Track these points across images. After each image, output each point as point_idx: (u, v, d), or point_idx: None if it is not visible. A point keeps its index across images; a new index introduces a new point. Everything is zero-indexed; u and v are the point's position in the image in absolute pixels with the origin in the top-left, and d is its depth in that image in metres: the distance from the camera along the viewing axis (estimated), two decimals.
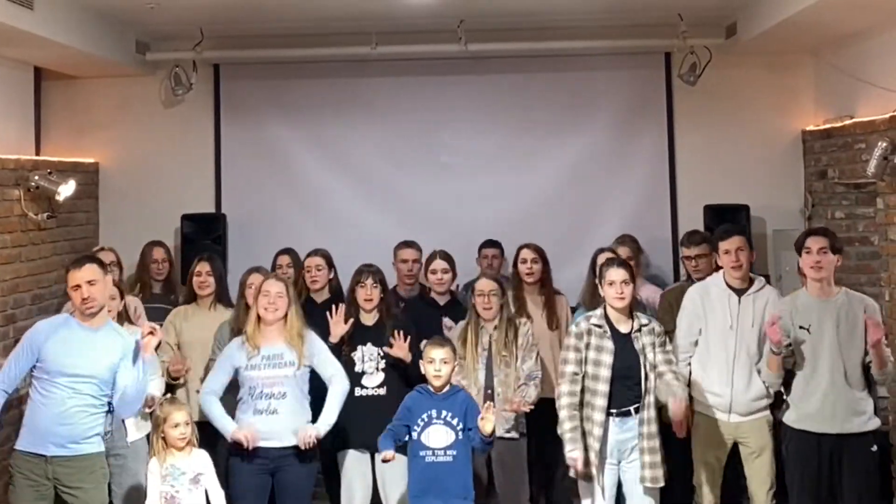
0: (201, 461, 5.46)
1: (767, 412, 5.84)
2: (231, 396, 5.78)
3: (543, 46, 8.36)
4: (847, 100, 7.66)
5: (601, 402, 5.45)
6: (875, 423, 5.48)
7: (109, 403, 5.24)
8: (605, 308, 5.60)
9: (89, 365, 5.10)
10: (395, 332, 5.98)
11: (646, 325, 5.55)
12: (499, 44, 8.29)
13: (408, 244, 7.30)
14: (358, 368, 5.95)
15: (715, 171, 8.49)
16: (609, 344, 5.49)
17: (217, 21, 7.89)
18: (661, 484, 5.49)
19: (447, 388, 5.48)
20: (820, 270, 5.49)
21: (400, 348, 5.92)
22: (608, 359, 5.47)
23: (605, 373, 5.46)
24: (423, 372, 5.52)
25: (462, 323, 6.28)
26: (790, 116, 8.53)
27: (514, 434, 6.05)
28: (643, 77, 8.72)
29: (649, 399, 5.48)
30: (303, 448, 5.57)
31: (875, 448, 5.49)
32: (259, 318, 5.69)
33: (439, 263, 6.76)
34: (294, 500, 5.65)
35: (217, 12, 7.57)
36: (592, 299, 6.25)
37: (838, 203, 7.92)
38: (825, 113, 8.16)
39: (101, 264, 5.33)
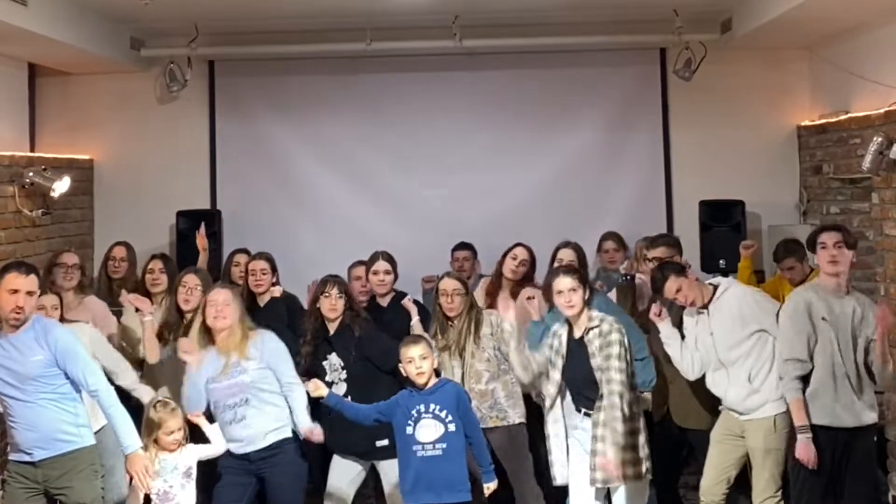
0: (192, 453, 5.44)
1: (772, 409, 5.70)
2: None
3: (538, 42, 8.37)
4: (842, 95, 7.67)
5: (549, 402, 5.59)
6: (876, 415, 5.49)
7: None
8: None
9: (21, 369, 5.03)
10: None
11: (595, 328, 5.47)
12: (493, 40, 8.29)
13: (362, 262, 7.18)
14: (328, 378, 5.88)
15: (710, 167, 8.50)
16: (563, 349, 5.55)
17: (212, 17, 7.89)
18: (614, 484, 5.40)
19: (433, 382, 5.48)
20: (836, 265, 5.43)
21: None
22: (559, 362, 5.55)
23: (556, 376, 5.55)
24: (404, 375, 5.50)
25: (432, 325, 6.22)
26: (785, 112, 8.55)
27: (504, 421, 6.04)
28: (638, 73, 8.73)
29: (603, 403, 5.37)
30: (314, 441, 5.56)
31: (875, 438, 5.53)
32: (207, 327, 5.61)
33: (381, 265, 6.60)
34: (285, 497, 5.62)
35: (212, 8, 7.56)
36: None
37: (833, 198, 7.93)
38: (820, 108, 8.16)
39: (38, 275, 5.25)
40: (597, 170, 8.66)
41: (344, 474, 5.99)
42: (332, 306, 5.97)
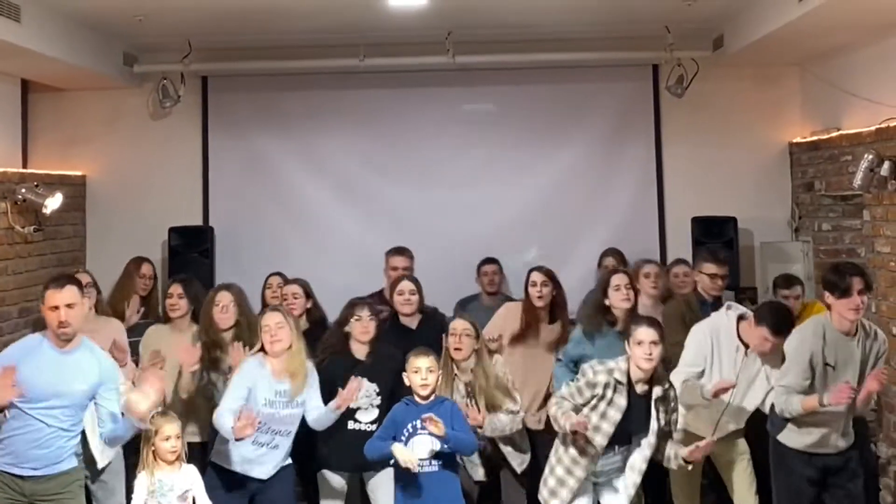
0: (190, 477, 5.40)
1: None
2: None
3: (531, 59, 8.38)
4: (833, 112, 7.70)
5: (593, 451, 5.29)
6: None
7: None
8: (627, 362, 5.27)
9: (63, 390, 4.95)
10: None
11: (667, 389, 5.30)
12: (486, 56, 8.31)
13: (399, 251, 7.29)
14: (355, 405, 5.76)
15: (702, 183, 8.51)
16: (622, 402, 5.22)
17: (205, 33, 7.90)
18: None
19: (433, 397, 5.47)
20: (859, 312, 5.30)
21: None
22: (616, 416, 5.22)
23: (608, 428, 5.22)
24: (407, 384, 5.49)
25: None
26: (777, 128, 8.57)
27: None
28: (631, 89, 8.74)
29: (643, 444, 5.30)
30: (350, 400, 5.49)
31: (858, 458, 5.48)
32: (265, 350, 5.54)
33: (406, 284, 6.56)
34: None
35: (205, 24, 7.57)
36: (594, 319, 6.13)
37: (825, 215, 7.96)
38: (812, 125, 8.19)
39: (80, 286, 5.16)
40: (589, 185, 8.66)
41: (337, 492, 5.94)
42: (365, 329, 5.87)
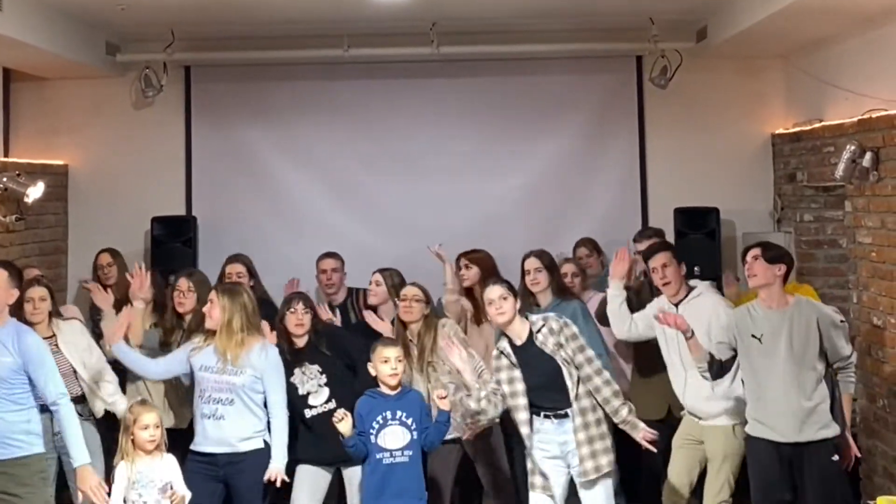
0: (170, 468, 5.36)
1: (729, 419, 5.87)
2: None
3: (515, 50, 8.39)
4: (816, 103, 7.72)
5: (524, 414, 5.42)
6: (833, 431, 5.43)
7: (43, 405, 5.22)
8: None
9: None
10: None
11: (542, 328, 5.45)
12: (471, 47, 8.30)
13: (328, 255, 7.47)
14: (301, 391, 5.87)
15: (685, 174, 8.54)
16: (513, 359, 5.44)
17: (188, 23, 7.86)
18: (605, 470, 5.37)
19: (399, 388, 5.49)
20: (753, 278, 5.53)
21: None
22: (516, 372, 5.43)
23: (520, 387, 5.42)
24: (373, 375, 5.50)
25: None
26: (760, 120, 8.60)
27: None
28: (614, 80, 8.76)
29: (580, 397, 5.37)
30: (276, 484, 5.56)
31: (836, 457, 5.45)
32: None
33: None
34: None
35: (188, 14, 7.54)
36: (522, 304, 6.13)
37: (807, 206, 7.99)
38: (795, 116, 8.22)
39: (15, 273, 5.29)
40: (573, 176, 8.67)
41: (311, 486, 5.94)
42: (300, 321, 5.95)
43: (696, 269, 7.77)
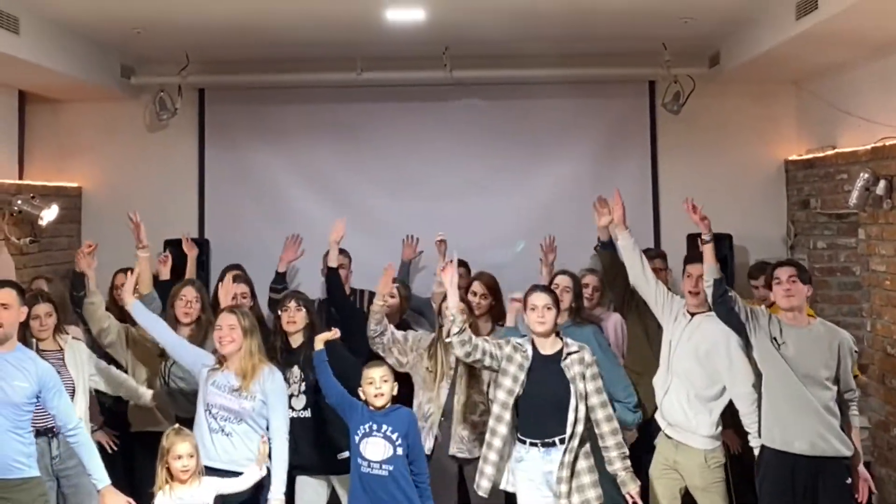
0: (208, 491, 5.35)
1: (700, 446, 5.79)
2: None
3: (528, 74, 8.41)
4: (829, 130, 7.72)
5: (502, 429, 5.41)
6: (848, 449, 5.42)
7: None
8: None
9: (1, 392, 5.02)
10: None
11: (574, 353, 5.45)
12: (483, 71, 8.33)
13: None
14: (288, 391, 5.88)
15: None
16: (524, 361, 5.44)
17: (203, 46, 7.91)
18: None
19: (387, 406, 5.50)
20: (791, 299, 5.52)
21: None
22: (517, 372, 5.42)
23: (512, 386, 5.41)
24: (361, 396, 5.50)
25: (430, 335, 6.27)
26: (773, 146, 8.59)
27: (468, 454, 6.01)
28: (627, 105, 8.76)
29: (577, 430, 5.33)
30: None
31: (849, 480, 5.44)
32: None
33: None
34: None
35: (203, 37, 7.58)
36: None
37: (820, 233, 7.98)
38: (808, 143, 8.21)
39: (21, 292, 5.29)
40: (585, 201, 8.50)
41: (311, 498, 5.97)
42: (291, 318, 6.02)
43: None
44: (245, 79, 8.55)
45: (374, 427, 5.41)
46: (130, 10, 6.76)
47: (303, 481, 5.99)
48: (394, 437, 5.40)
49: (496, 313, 6.66)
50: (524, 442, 5.42)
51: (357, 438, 5.43)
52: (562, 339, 5.53)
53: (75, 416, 5.19)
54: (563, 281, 6.52)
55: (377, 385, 5.44)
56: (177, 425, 5.55)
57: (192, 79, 8.37)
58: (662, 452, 5.93)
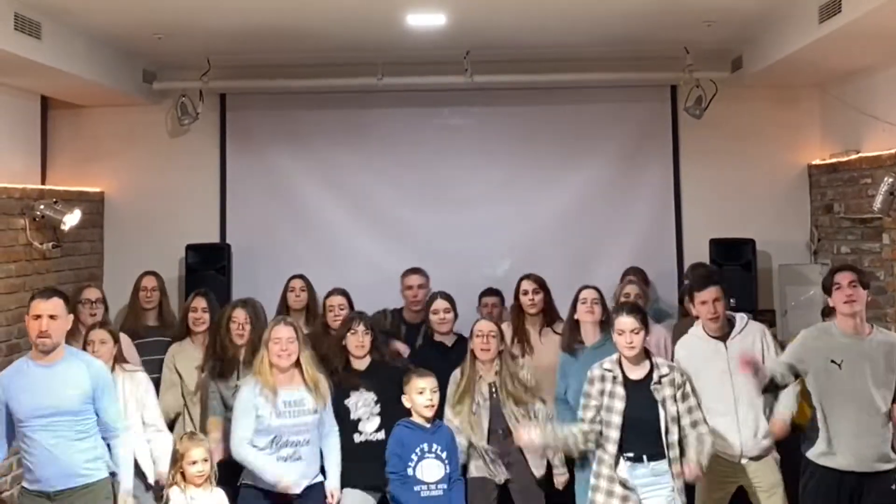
0: (221, 500, 5.38)
1: (774, 451, 5.77)
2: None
3: (549, 78, 8.38)
4: (853, 134, 7.66)
5: (612, 448, 5.26)
6: (894, 464, 5.34)
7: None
8: (619, 357, 5.39)
9: (54, 402, 4.99)
10: None
11: (666, 376, 5.32)
12: (505, 76, 8.30)
13: (413, 270, 7.37)
14: (353, 416, 5.84)
15: (721, 205, 8.47)
16: (620, 390, 5.29)
17: (224, 51, 7.92)
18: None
19: (434, 420, 5.47)
20: (853, 304, 5.35)
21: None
22: (619, 405, 5.26)
23: (617, 419, 5.26)
24: (408, 406, 5.46)
25: (458, 369, 6.08)
26: (796, 150, 8.53)
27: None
28: (649, 110, 8.72)
29: (672, 453, 5.23)
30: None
31: (894, 486, 5.36)
32: (271, 363, 5.56)
33: (441, 303, 6.64)
34: None
35: (224, 42, 7.59)
36: (570, 338, 6.18)
37: (844, 238, 7.90)
38: (831, 147, 8.15)
39: (67, 301, 5.23)
40: (607, 206, 8.63)
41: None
42: (360, 343, 5.94)
43: (731, 300, 7.72)
44: (266, 84, 8.55)
45: (427, 448, 5.40)
46: (152, 16, 6.77)
47: (349, 493, 5.84)
48: (444, 455, 5.40)
49: (549, 312, 6.65)
50: (628, 459, 5.27)
51: (412, 464, 5.38)
52: (649, 357, 5.38)
53: (123, 421, 5.22)
54: (589, 294, 6.35)
55: (428, 396, 5.43)
56: (189, 430, 5.56)
57: (214, 84, 8.38)
58: (719, 466, 5.67)
